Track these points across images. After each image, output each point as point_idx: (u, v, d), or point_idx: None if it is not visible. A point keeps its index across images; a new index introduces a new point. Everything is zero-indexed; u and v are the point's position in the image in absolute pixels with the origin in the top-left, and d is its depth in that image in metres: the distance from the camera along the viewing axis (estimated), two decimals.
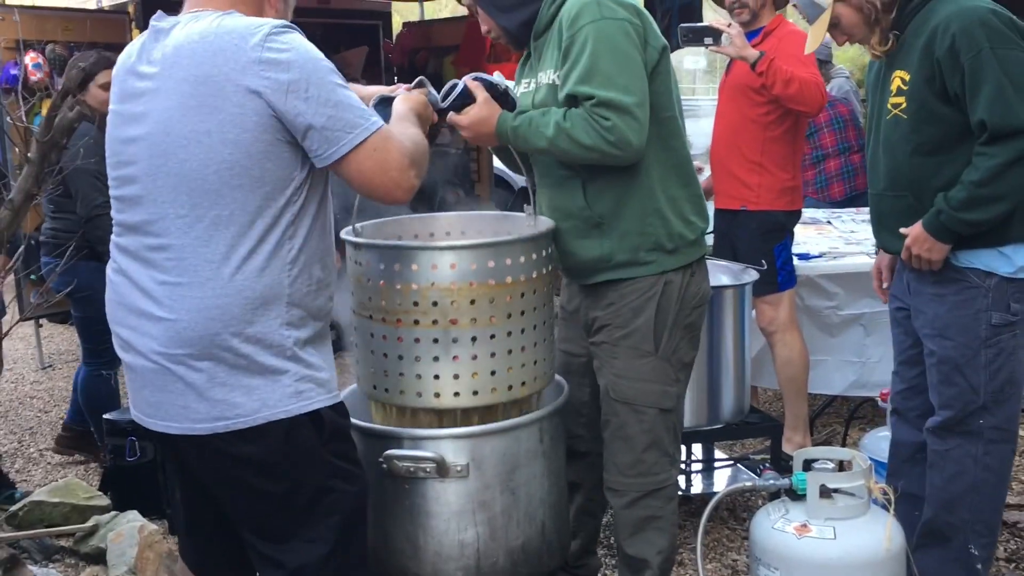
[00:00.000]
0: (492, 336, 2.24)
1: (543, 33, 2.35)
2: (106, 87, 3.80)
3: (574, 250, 2.39)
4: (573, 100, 2.23)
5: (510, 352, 2.27)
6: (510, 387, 2.29)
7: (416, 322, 2.23)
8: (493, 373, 2.26)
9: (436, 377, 2.25)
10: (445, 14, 10.15)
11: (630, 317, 2.36)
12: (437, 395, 2.26)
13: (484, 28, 2.41)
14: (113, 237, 1.97)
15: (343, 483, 1.95)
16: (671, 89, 2.34)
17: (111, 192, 1.96)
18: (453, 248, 2.24)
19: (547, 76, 2.32)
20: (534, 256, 2.29)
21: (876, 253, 2.84)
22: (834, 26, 2.51)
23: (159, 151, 1.83)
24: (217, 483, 1.96)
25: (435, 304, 2.21)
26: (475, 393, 2.26)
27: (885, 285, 2.78)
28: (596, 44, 2.17)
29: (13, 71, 5.61)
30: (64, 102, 2.42)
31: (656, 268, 2.34)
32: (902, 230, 2.49)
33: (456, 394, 2.26)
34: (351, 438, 2.04)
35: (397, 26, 8.35)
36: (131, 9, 6.15)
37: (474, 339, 2.23)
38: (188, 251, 1.82)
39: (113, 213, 1.96)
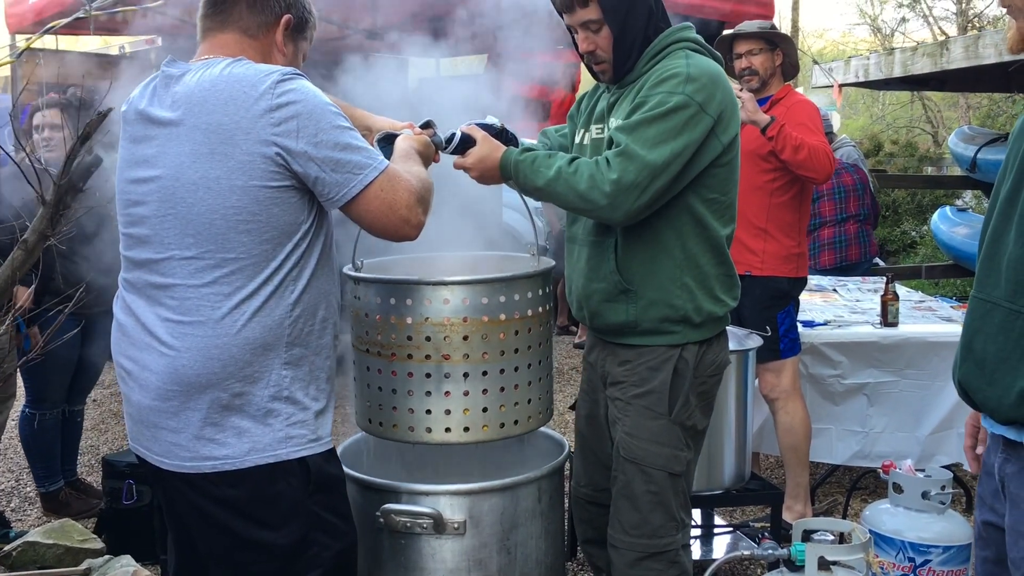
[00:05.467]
0: (484, 373, 2.25)
1: (630, 83, 2.34)
2: (37, 128, 3.90)
3: (602, 311, 2.39)
4: (610, 143, 2.24)
5: (503, 389, 2.28)
6: (502, 425, 2.30)
7: (409, 356, 2.25)
8: (485, 410, 2.27)
9: (428, 412, 2.26)
10: (461, 70, 10.29)
11: (646, 376, 2.36)
12: (429, 430, 2.27)
13: (587, 47, 2.33)
14: (122, 273, 2.02)
15: (326, 537, 1.94)
16: (731, 177, 2.35)
17: (120, 229, 2.01)
18: (446, 284, 2.26)
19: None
20: (529, 294, 2.31)
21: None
22: None
23: (168, 195, 1.87)
24: (199, 525, 1.96)
25: (428, 339, 2.23)
26: (466, 429, 2.27)
27: (979, 450, 1.92)
28: (660, 110, 2.18)
29: None
30: (83, 146, 2.46)
31: (680, 339, 2.34)
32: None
33: (447, 430, 2.27)
34: (342, 490, 2.03)
35: (413, 81, 8.46)
36: (153, 56, 6.27)
37: (466, 375, 2.25)
38: (192, 291, 1.86)
39: (122, 249, 2.01)
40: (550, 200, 2.31)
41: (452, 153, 2.34)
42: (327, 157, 1.83)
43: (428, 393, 2.25)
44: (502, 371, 2.27)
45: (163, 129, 1.90)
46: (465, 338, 2.23)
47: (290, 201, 1.86)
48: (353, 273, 2.36)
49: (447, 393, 2.25)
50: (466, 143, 2.34)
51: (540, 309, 2.35)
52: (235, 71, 1.86)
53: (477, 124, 2.39)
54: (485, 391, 2.26)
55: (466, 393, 2.25)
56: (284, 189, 1.85)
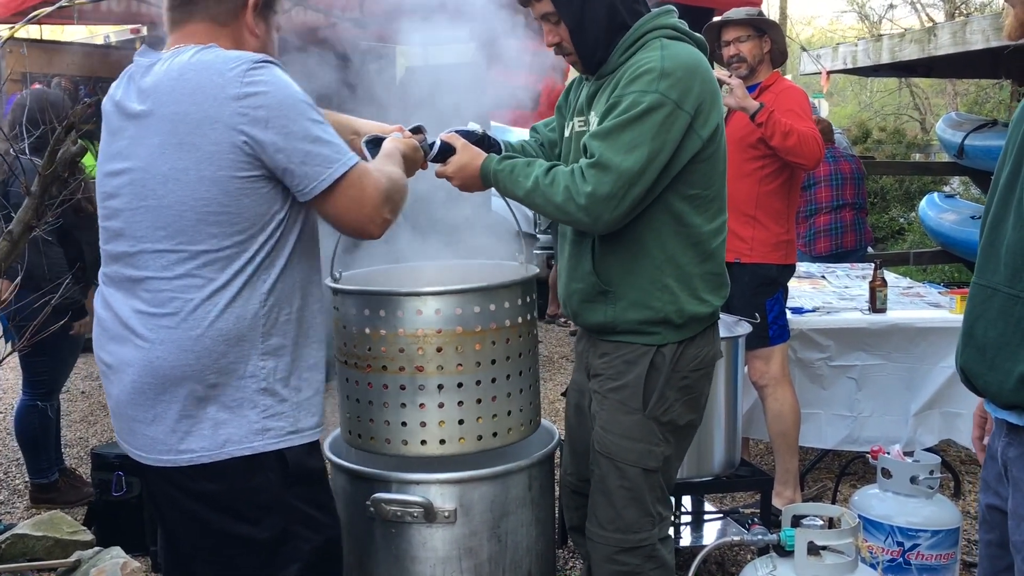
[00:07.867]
0: (460, 385, 2.21)
1: (608, 75, 2.28)
2: None
3: (582, 311, 2.36)
4: (585, 149, 2.21)
5: (479, 401, 2.24)
6: (480, 437, 2.25)
7: (384, 368, 2.22)
8: (461, 422, 2.23)
9: (404, 424, 2.23)
10: (449, 59, 10.23)
11: (622, 370, 2.31)
12: (405, 443, 2.24)
13: (551, 40, 2.28)
14: (101, 267, 2.00)
15: (307, 530, 1.92)
16: (714, 170, 2.27)
17: (100, 223, 1.98)
18: (419, 295, 2.21)
19: (596, 121, 2.26)
20: (506, 304, 2.26)
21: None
22: None
23: (139, 187, 1.85)
24: (179, 519, 1.95)
25: (401, 351, 2.20)
26: (442, 442, 2.23)
27: (987, 441, 1.94)
28: (633, 112, 2.11)
29: None
30: (68, 136, 2.44)
31: (660, 340, 2.28)
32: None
33: (423, 442, 2.23)
34: (324, 483, 2.00)
35: (400, 69, 8.43)
36: (138, 45, 6.24)
37: (440, 387, 2.21)
38: (164, 284, 1.84)
39: (100, 243, 1.99)
40: (532, 209, 2.30)
41: (433, 161, 2.32)
42: (296, 148, 1.79)
43: (403, 405, 2.22)
44: (478, 383, 2.22)
45: (134, 121, 1.87)
46: (439, 350, 2.19)
47: (261, 192, 1.82)
48: (329, 283, 2.32)
49: (422, 405, 2.21)
50: (446, 151, 2.31)
51: (519, 320, 2.29)
52: (203, 58, 1.82)
53: (457, 131, 2.37)
54: (461, 403, 2.21)
55: (441, 405, 2.21)
56: (254, 179, 1.81)
